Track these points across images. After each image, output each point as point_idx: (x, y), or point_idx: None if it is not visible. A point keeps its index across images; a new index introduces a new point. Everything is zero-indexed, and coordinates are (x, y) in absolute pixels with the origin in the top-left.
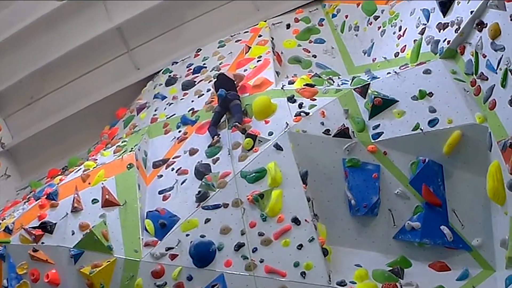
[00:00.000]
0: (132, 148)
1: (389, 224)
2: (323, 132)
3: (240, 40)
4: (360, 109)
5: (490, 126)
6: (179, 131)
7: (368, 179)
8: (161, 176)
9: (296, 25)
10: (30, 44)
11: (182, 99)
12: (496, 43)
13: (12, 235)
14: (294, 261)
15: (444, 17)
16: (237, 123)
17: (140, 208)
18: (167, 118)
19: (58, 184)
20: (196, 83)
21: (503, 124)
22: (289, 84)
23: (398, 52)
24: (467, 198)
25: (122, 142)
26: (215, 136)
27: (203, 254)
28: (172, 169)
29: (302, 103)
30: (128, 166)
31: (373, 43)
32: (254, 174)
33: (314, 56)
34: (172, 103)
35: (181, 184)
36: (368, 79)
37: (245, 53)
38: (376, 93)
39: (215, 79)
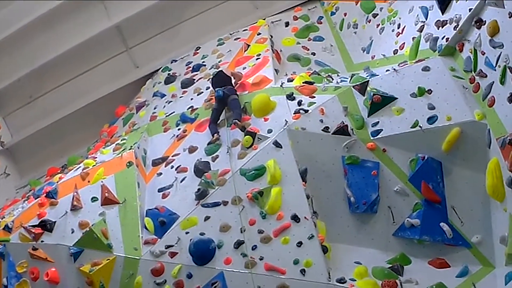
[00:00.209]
0: (131, 146)
1: (388, 221)
2: (322, 130)
3: (239, 38)
4: (359, 107)
5: (489, 123)
6: (179, 129)
7: (367, 176)
8: (161, 174)
9: (295, 23)
10: (29, 43)
11: (181, 97)
12: (494, 40)
13: (11, 234)
14: (293, 258)
15: (442, 14)
16: (236, 120)
17: (140, 206)
18: (167, 116)
19: (57, 182)
20: (195, 81)
21: (502, 121)
22: (288, 81)
23: (397, 50)
24: (467, 195)
25: (121, 140)
26: (215, 134)
27: (202, 252)
28: (172, 167)
29: (301, 101)
30: (128, 164)
31: (372, 40)
32: (253, 171)
33: (313, 54)
34: (171, 101)
35: (181, 182)
36: (367, 76)
37: (244, 51)
38: (375, 91)
39: (213, 76)
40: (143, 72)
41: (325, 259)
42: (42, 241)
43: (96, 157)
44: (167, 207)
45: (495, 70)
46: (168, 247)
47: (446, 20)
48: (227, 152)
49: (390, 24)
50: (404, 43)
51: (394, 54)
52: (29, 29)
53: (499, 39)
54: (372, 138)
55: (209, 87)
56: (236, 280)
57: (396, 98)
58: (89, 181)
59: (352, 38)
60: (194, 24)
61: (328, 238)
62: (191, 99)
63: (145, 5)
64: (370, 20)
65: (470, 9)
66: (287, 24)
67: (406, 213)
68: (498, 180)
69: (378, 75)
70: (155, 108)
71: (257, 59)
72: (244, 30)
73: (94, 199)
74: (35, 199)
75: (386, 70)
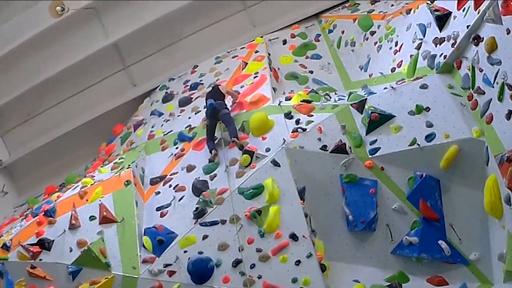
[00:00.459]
0: (129, 165)
1: (386, 239)
2: (320, 148)
3: (237, 56)
4: (357, 125)
5: (487, 140)
6: (176, 148)
7: (365, 195)
8: (159, 192)
9: (293, 40)
10: (27, 61)
11: (179, 115)
12: (492, 57)
13: (10, 252)
14: (292, 277)
15: (440, 31)
16: (235, 139)
17: (138, 225)
18: (164, 134)
19: (55, 201)
20: (193, 99)
21: (500, 138)
22: (286, 100)
23: (395, 67)
24: (465, 212)
25: (119, 159)
26: (213, 150)
27: (201, 271)
28: (170, 186)
29: (299, 119)
30: (126, 183)
31: (370, 58)
32: (251, 190)
33: (311, 72)
34: (169, 120)
35: (179, 200)
36: (365, 94)
37: (242, 69)
38: (373, 109)
39: (209, 90)
40: (140, 91)
41: (323, 278)
42: (40, 260)
43: (94, 176)
44: (165, 226)
45: (493, 87)
46: (166, 265)
47: (444, 38)
48: (225, 170)
49: (388, 41)
50: (402, 60)
51: (392, 72)
52: (27, 47)
53: (497, 56)
54: (370, 156)
55: None
56: None
57: (394, 116)
58: (87, 200)
59: (350, 56)
60: (192, 42)
61: (327, 257)
62: (189, 117)
63: (142, 23)
64: (367, 37)
65: (467, 26)
66: (284, 41)
67: (404, 231)
68: (496, 198)
69: (376, 93)
70: (152, 127)
71: (255, 77)
72: (241, 48)
73: (92, 217)
74: (33, 217)
75: (384, 88)
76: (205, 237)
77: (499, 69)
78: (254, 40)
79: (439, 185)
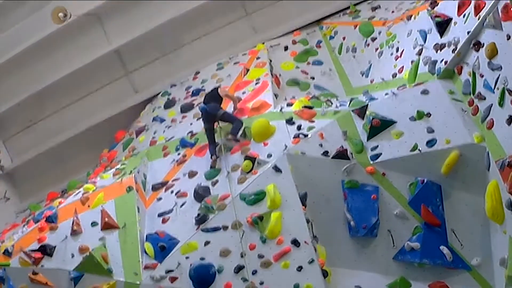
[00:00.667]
0: (131, 171)
1: (388, 245)
2: (321, 154)
3: (238, 62)
4: (359, 131)
5: (488, 145)
6: (178, 154)
7: (367, 200)
8: (161, 198)
9: (294, 47)
10: (29, 67)
11: (181, 121)
12: (493, 63)
13: (11, 258)
14: (294, 283)
15: (441, 37)
16: (233, 136)
17: (140, 231)
18: (166, 140)
19: (57, 207)
20: (194, 105)
21: (501, 143)
22: (287, 106)
23: (396, 73)
24: (466, 217)
25: (121, 165)
26: (213, 156)
27: (203, 277)
28: (172, 192)
29: (301, 125)
30: (128, 189)
31: (371, 64)
32: (253, 196)
33: (312, 78)
34: (171, 126)
35: (181, 206)
36: (366, 100)
37: (244, 76)
38: (374, 114)
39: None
40: (142, 97)
41: (325, 284)
42: (42, 266)
43: (96, 182)
44: (167, 232)
45: (493, 92)
46: (168, 272)
47: (445, 43)
48: (226, 176)
49: (389, 47)
50: (403, 66)
51: (393, 77)
52: (29, 53)
53: (497, 61)
54: (371, 162)
55: None
56: None
57: (395, 122)
58: (89, 206)
59: (351, 62)
60: (194, 48)
61: (328, 262)
62: (191, 124)
63: (144, 29)
64: (368, 44)
65: (468, 32)
66: (286, 48)
67: (406, 236)
68: (498, 203)
69: (377, 99)
70: (154, 133)
71: (256, 83)
72: (243, 54)
73: (94, 223)
74: (35, 223)
75: (385, 94)
76: (207, 243)
77: (499, 75)
78: (255, 47)
79: (441, 191)
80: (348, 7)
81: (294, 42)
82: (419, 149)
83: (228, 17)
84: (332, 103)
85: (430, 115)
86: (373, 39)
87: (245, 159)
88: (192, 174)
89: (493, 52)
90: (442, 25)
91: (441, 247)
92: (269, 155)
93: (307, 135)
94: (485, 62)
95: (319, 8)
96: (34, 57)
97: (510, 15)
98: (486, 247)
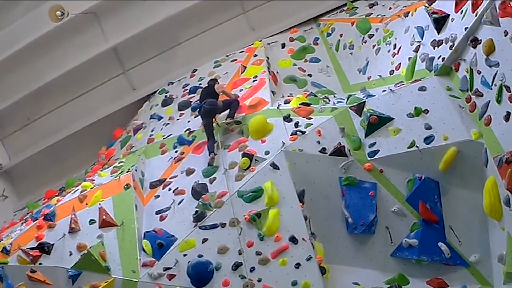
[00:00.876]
0: (129, 169)
1: (386, 241)
2: (319, 151)
3: (236, 60)
4: (356, 127)
5: (486, 142)
6: (176, 151)
7: (364, 197)
8: (158, 196)
9: (291, 44)
10: (27, 65)
11: (179, 119)
12: (490, 59)
13: (9, 256)
14: (292, 280)
15: (438, 34)
16: (231, 119)
17: (138, 229)
18: (164, 138)
19: (55, 205)
20: (192, 103)
21: (499, 139)
22: (285, 103)
23: (393, 70)
24: (464, 214)
25: (119, 163)
26: (212, 153)
27: (201, 274)
28: (169, 189)
29: (298, 122)
30: (125, 186)
31: (368, 61)
32: (251, 193)
33: (310, 75)
34: (168, 124)
35: (178, 204)
36: (363, 97)
37: (241, 73)
38: (371, 111)
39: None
40: (140, 95)
41: (323, 281)
42: (40, 264)
43: (94, 180)
44: (165, 229)
45: (491, 89)
46: (166, 269)
47: (442, 40)
48: (223, 173)
49: (386, 44)
50: (400, 63)
51: (390, 74)
52: (27, 51)
53: (495, 57)
54: (369, 158)
55: None
56: None
57: (393, 119)
58: (87, 204)
59: (348, 59)
60: (191, 46)
61: (326, 259)
62: (188, 121)
63: (142, 27)
64: (366, 41)
65: (465, 28)
66: (283, 45)
67: (404, 233)
68: (496, 199)
69: (374, 95)
70: (152, 131)
71: (253, 81)
72: (240, 52)
73: (92, 221)
74: (33, 221)
75: (383, 91)
76: (204, 240)
77: (497, 71)
78: (253, 44)
79: (438, 187)
80: (345, 4)
81: (291, 40)
82: (416, 146)
83: (225, 15)
84: (329, 100)
85: (428, 111)
86: (370, 36)
87: (242, 156)
88: (189, 172)
89: (490, 48)
90: (440, 21)
91: (439, 244)
92: (267, 152)
93: (305, 132)
94: (483, 58)
95: (316, 5)
96: (32, 55)
97: (507, 11)
98: (484, 243)
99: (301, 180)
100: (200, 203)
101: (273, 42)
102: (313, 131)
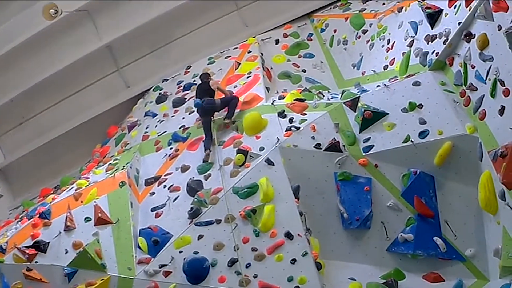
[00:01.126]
0: (124, 166)
1: (382, 236)
2: (314, 146)
3: (230, 56)
4: (351, 123)
5: (481, 136)
6: (171, 148)
7: (360, 192)
8: (153, 193)
9: (285, 40)
10: (20, 64)
11: (173, 116)
12: (484, 54)
13: (5, 255)
14: (287, 275)
15: (432, 29)
16: (228, 120)
17: (133, 226)
18: (158, 135)
19: (50, 203)
20: (186, 100)
21: (494, 133)
22: (279, 99)
23: (387, 65)
24: (459, 208)
25: (114, 160)
26: (207, 150)
27: (196, 271)
28: (164, 186)
29: (293, 118)
30: (120, 184)
31: (362, 56)
32: (246, 189)
33: (304, 71)
34: (163, 120)
35: (174, 201)
36: (358, 92)
37: (235, 69)
38: (366, 106)
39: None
40: (134, 92)
41: (319, 276)
42: (36, 262)
43: (89, 178)
44: (160, 226)
45: (485, 83)
46: (162, 266)
47: (436, 35)
48: (219, 169)
49: (380, 39)
50: (394, 58)
51: (384, 69)
52: (21, 49)
53: (488, 52)
54: (364, 154)
55: None
56: None
57: (387, 114)
58: (82, 202)
59: (342, 55)
60: (185, 43)
61: (322, 255)
62: (183, 118)
63: (135, 25)
64: (360, 36)
65: (459, 23)
66: (277, 41)
67: (399, 228)
68: (491, 193)
69: (369, 91)
70: (147, 128)
71: (248, 77)
72: (234, 48)
73: (87, 219)
74: (29, 220)
75: (377, 86)
76: (200, 237)
77: (491, 65)
78: (246, 40)
79: (434, 182)
80: (339, 0)
81: (285, 36)
82: (411, 141)
83: (219, 12)
84: (323, 96)
85: (422, 106)
86: (364, 31)
87: (237, 153)
88: (184, 168)
89: (484, 43)
90: (433, 16)
91: (435, 238)
92: (262, 148)
93: (299, 128)
94: (477, 53)
95: (310, 1)
96: (26, 53)
97: (501, 5)
98: (480, 237)
99: (296, 175)
100: (195, 199)
101: (267, 38)
102: (307, 127)
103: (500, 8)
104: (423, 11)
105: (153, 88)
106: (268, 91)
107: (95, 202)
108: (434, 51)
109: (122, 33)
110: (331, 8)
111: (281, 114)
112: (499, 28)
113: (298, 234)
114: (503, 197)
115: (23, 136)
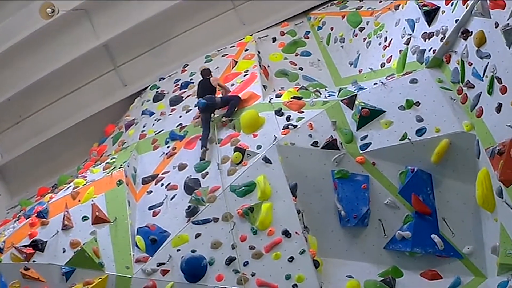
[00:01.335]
0: (121, 165)
1: (379, 234)
2: (311, 144)
3: (227, 54)
4: (348, 121)
5: (478, 133)
6: (168, 147)
7: (357, 190)
8: (151, 192)
9: (282, 38)
10: (18, 63)
11: (170, 114)
12: (481, 51)
13: (3, 254)
14: (285, 273)
15: (429, 26)
16: (227, 119)
17: (131, 225)
18: (156, 134)
19: (48, 202)
20: (183, 98)
21: (491, 131)
22: (276, 97)
23: (384, 63)
24: (457, 206)
25: (111, 159)
26: (204, 147)
27: (194, 269)
28: (162, 185)
29: (290, 116)
30: (118, 182)
31: (359, 54)
32: (243, 187)
33: (301, 69)
34: (160, 119)
35: (171, 199)
36: (355, 90)
37: (232, 68)
38: (363, 104)
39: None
40: (131, 90)
41: (317, 274)
42: (33, 261)
43: (86, 176)
44: (158, 225)
45: (482, 80)
46: (159, 265)
47: (433, 32)
48: (218, 168)
49: (377, 37)
50: (391, 56)
51: (381, 67)
52: (18, 49)
53: (486, 49)
54: (361, 151)
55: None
56: None
57: (385, 111)
58: (79, 200)
59: (339, 52)
60: (182, 41)
61: (320, 253)
62: (180, 116)
63: (132, 23)
64: (356, 34)
65: (456, 20)
66: (274, 39)
67: (397, 225)
68: (488, 190)
69: (366, 88)
70: (144, 126)
71: (245, 75)
72: (231, 47)
73: (85, 218)
74: (26, 219)
75: (374, 84)
76: (197, 235)
77: (488, 63)
78: (243, 39)
79: (431, 179)
80: None
81: (282, 34)
82: (408, 138)
83: (216, 10)
84: (321, 94)
85: (419, 104)
86: (361, 29)
87: (234, 151)
88: (182, 167)
89: (481, 40)
90: (430, 14)
91: (432, 236)
92: (259, 147)
93: (297, 126)
94: (474, 50)
95: None
96: (23, 52)
97: (498, 3)
98: (478, 235)
99: (293, 173)
100: (193, 198)
101: (264, 37)
102: (305, 125)
103: (497, 5)
104: (420, 8)
105: (150, 86)
106: (265, 89)
107: (92, 201)
108: (431, 48)
109: (119, 32)
110: (328, 6)
111: (278, 112)
112: (496, 25)
113: (296, 232)
114: (500, 195)
115: (20, 135)
